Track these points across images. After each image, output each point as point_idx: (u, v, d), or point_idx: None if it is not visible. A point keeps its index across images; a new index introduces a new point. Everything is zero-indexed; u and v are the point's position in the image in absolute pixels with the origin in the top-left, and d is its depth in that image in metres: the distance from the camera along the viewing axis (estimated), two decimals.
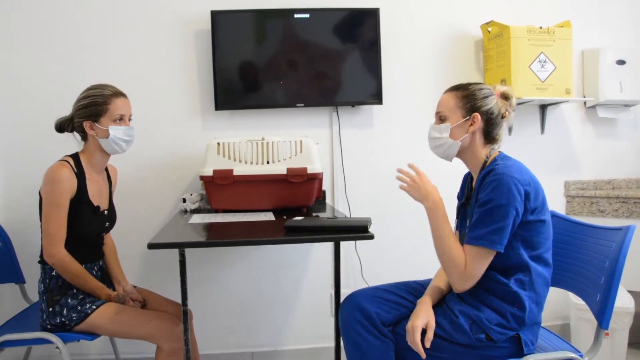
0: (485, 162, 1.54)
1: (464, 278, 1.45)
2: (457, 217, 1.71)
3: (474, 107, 1.54)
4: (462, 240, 1.58)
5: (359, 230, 1.59)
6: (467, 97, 1.55)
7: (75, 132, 1.84)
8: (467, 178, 1.70)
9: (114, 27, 2.44)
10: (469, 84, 1.58)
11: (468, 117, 1.54)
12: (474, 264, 1.44)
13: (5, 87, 2.39)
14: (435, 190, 1.54)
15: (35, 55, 2.40)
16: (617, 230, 1.50)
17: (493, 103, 1.54)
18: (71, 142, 1.87)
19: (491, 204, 1.41)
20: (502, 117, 1.57)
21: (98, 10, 2.42)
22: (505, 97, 1.58)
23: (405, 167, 1.59)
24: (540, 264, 1.49)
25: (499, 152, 1.58)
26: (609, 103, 2.67)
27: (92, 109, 1.76)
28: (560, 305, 2.66)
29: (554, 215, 1.73)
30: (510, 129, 2.61)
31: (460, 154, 1.60)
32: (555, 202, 2.73)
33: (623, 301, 2.27)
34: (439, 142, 1.59)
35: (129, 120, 1.84)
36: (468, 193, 1.66)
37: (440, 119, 1.59)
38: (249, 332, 2.59)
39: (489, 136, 1.57)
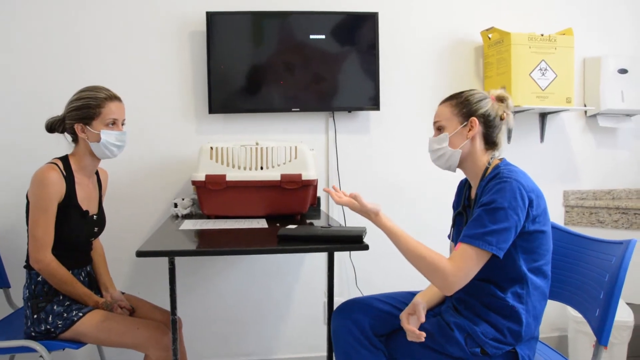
0: (487, 169, 1.50)
1: (450, 277, 1.33)
2: (453, 227, 1.67)
3: (470, 111, 1.51)
4: None
5: (354, 241, 1.56)
6: (461, 103, 1.52)
7: (66, 133, 1.80)
8: (464, 186, 1.66)
9: (107, 28, 2.40)
10: (462, 92, 1.56)
11: (465, 123, 1.51)
12: (463, 261, 1.33)
13: None
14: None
15: (27, 57, 2.35)
16: (618, 244, 1.46)
17: (489, 106, 1.52)
18: (61, 145, 1.83)
19: (493, 204, 1.36)
20: (501, 119, 1.54)
21: (92, 10, 2.38)
22: (500, 99, 1.55)
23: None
24: (539, 276, 1.45)
25: (502, 159, 1.53)
26: (610, 112, 2.64)
27: (85, 112, 1.72)
28: (558, 317, 2.62)
29: (553, 227, 1.69)
30: (509, 135, 2.57)
31: (461, 163, 1.55)
32: (554, 212, 2.69)
33: (622, 315, 2.23)
34: (440, 152, 1.55)
35: (122, 124, 1.80)
36: (465, 202, 1.62)
37: (438, 129, 1.56)
38: (240, 340, 2.55)
39: (490, 140, 1.53)
